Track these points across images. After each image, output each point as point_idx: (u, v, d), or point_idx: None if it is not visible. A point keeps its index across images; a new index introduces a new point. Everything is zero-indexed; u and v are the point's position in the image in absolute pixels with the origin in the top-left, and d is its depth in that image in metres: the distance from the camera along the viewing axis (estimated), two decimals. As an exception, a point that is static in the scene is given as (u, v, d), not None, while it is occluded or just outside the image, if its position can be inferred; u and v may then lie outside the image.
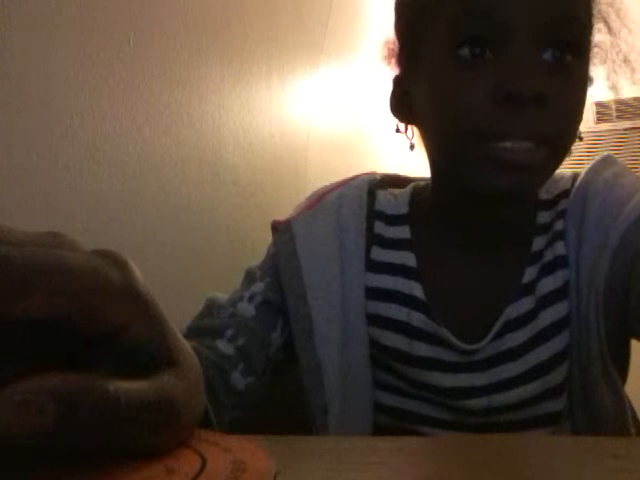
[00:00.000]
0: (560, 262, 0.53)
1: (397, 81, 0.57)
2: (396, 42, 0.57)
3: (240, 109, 1.13)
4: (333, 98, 1.73)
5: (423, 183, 0.62)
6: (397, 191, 0.62)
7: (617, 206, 0.51)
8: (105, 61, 0.77)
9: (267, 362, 0.55)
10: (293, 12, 1.42)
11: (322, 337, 0.55)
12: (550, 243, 0.55)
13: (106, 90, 0.77)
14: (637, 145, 2.53)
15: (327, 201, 0.60)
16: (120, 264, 0.24)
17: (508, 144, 0.45)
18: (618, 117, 2.53)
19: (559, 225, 0.55)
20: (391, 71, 0.59)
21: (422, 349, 0.55)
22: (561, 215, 0.55)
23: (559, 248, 0.54)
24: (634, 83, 0.55)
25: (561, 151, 0.49)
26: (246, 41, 1.16)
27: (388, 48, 0.59)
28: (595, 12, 0.51)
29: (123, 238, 0.80)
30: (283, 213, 0.91)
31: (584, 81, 0.50)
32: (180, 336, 0.27)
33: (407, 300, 0.56)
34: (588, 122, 2.60)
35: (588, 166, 0.57)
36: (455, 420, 0.56)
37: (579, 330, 0.52)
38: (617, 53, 0.53)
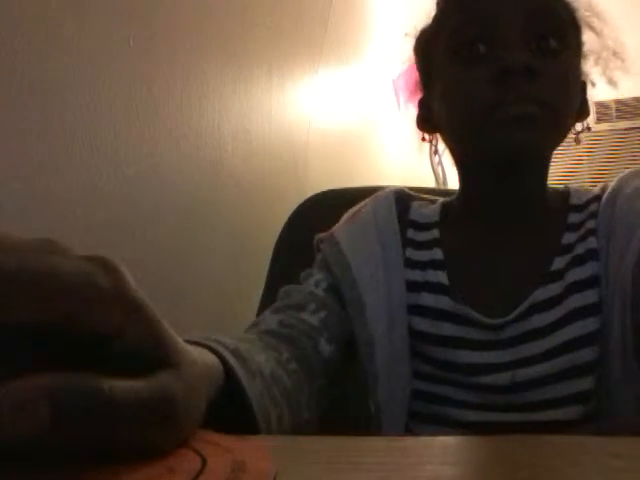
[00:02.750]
0: (591, 254, 0.59)
1: (420, 104, 0.67)
2: (417, 73, 0.68)
3: (240, 109, 1.13)
4: (333, 98, 1.73)
5: (449, 199, 0.70)
6: (430, 205, 0.70)
7: None
8: (105, 61, 0.77)
9: (343, 336, 0.60)
10: (293, 12, 1.42)
11: (371, 316, 0.60)
12: (583, 238, 0.60)
13: (106, 90, 0.78)
14: (637, 145, 2.53)
15: (363, 213, 0.67)
16: (110, 269, 0.24)
17: (513, 107, 0.54)
18: (618, 117, 2.53)
19: (591, 224, 0.60)
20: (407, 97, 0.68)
21: (448, 329, 0.60)
22: (593, 216, 0.61)
23: (591, 242, 0.59)
24: (627, 72, 0.63)
25: (560, 119, 0.57)
26: (246, 41, 1.16)
27: (411, 84, 0.70)
28: (578, 18, 0.60)
29: (122, 238, 0.80)
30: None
31: (570, 64, 0.58)
32: (177, 337, 0.27)
33: (434, 287, 0.62)
34: (588, 122, 2.59)
35: (620, 175, 0.63)
36: (481, 401, 0.58)
37: (607, 317, 0.56)
38: (606, 49, 0.62)
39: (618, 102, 2.49)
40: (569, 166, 2.58)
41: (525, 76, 0.53)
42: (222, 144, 1.06)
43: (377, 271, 0.62)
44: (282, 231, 0.91)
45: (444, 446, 0.30)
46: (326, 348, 0.57)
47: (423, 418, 0.61)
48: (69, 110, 0.72)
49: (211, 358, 0.35)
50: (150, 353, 0.25)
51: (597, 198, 0.62)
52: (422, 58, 0.66)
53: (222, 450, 0.26)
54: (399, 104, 2.25)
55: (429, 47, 0.63)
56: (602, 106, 2.50)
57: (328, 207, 0.91)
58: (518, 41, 0.55)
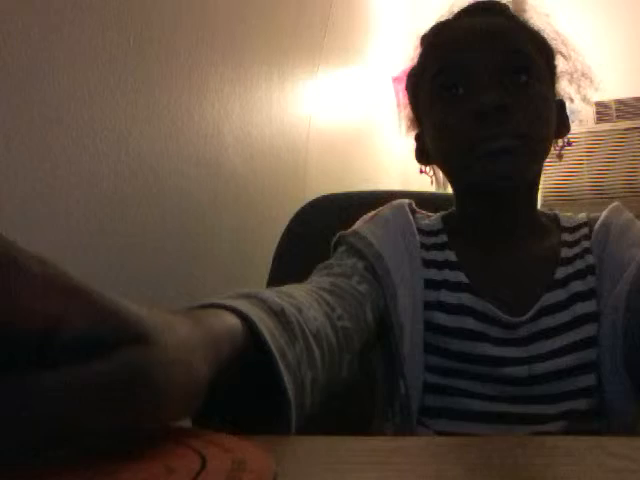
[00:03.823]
0: (590, 270, 0.65)
1: (417, 138, 0.73)
2: (410, 109, 0.74)
3: (240, 109, 1.13)
4: (333, 98, 1.73)
5: (446, 212, 0.75)
6: (428, 217, 0.75)
7: (634, 237, 0.64)
8: (105, 61, 0.77)
9: (380, 312, 0.62)
10: (293, 12, 1.42)
11: (401, 308, 0.63)
12: (581, 255, 0.67)
13: (106, 90, 0.78)
14: (637, 145, 2.53)
15: (383, 216, 0.70)
16: (42, 261, 0.23)
17: (490, 143, 0.59)
18: (618, 117, 2.53)
19: (586, 244, 0.67)
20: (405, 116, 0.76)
21: (470, 323, 0.63)
22: (586, 237, 0.68)
23: (589, 259, 0.66)
24: (596, 90, 0.70)
25: (537, 146, 0.62)
26: (246, 41, 1.16)
27: (407, 119, 0.76)
28: (547, 46, 0.66)
29: (122, 238, 0.80)
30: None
31: (541, 93, 0.63)
32: (147, 312, 0.26)
33: (455, 286, 0.66)
34: (588, 122, 2.59)
35: (609, 207, 0.70)
36: (497, 393, 0.61)
37: (601, 326, 0.62)
38: (576, 71, 0.69)
39: (618, 102, 2.49)
40: (569, 166, 2.58)
41: (499, 113, 0.59)
42: (222, 144, 1.06)
43: (404, 269, 0.66)
44: (283, 235, 0.91)
45: (444, 446, 0.30)
46: (369, 315, 0.60)
47: (434, 411, 0.63)
48: (69, 111, 0.72)
49: (228, 322, 0.34)
50: (109, 333, 0.24)
51: (585, 224, 0.70)
52: (412, 96, 0.73)
53: (222, 450, 0.26)
54: (399, 104, 2.25)
55: (417, 86, 0.70)
56: (602, 106, 2.50)
57: (329, 211, 0.92)
58: (491, 81, 0.61)
